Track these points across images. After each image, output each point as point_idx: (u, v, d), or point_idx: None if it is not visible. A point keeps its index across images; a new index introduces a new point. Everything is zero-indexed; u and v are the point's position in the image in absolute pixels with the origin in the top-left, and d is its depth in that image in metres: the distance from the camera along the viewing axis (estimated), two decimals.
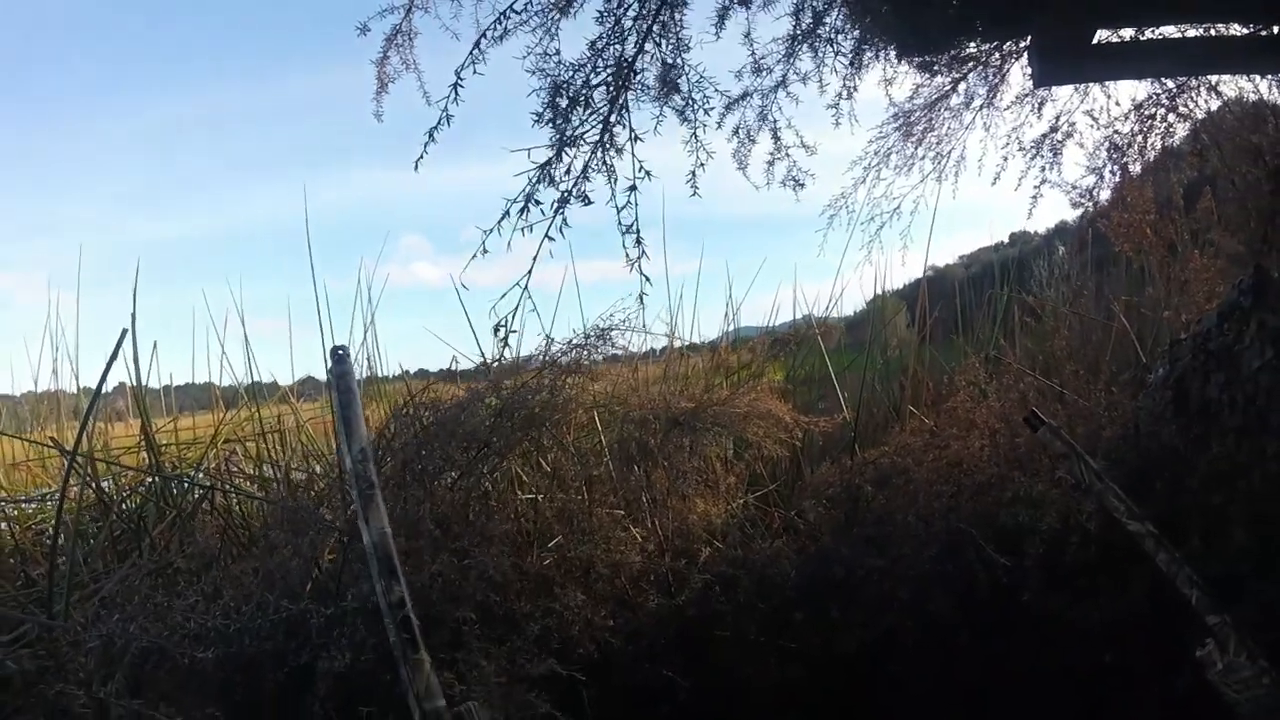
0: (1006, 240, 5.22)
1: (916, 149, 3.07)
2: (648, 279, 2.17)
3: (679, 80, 2.14)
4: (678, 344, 3.69)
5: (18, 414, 3.65)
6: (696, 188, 2.28)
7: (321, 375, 3.37)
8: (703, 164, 2.26)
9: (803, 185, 2.61)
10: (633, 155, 2.14)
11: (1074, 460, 1.84)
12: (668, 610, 2.27)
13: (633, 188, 2.12)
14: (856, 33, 2.46)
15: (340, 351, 0.88)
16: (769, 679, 2.23)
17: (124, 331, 2.00)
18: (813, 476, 2.53)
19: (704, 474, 2.45)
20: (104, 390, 2.44)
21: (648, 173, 2.14)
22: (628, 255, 2.15)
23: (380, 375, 3.40)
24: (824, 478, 2.46)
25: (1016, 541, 2.19)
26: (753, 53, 2.55)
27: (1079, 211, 3.72)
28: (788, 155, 2.57)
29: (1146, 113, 2.89)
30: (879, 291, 4.13)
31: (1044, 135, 2.92)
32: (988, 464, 2.35)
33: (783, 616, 2.30)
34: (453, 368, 2.74)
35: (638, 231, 2.14)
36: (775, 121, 2.61)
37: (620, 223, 2.14)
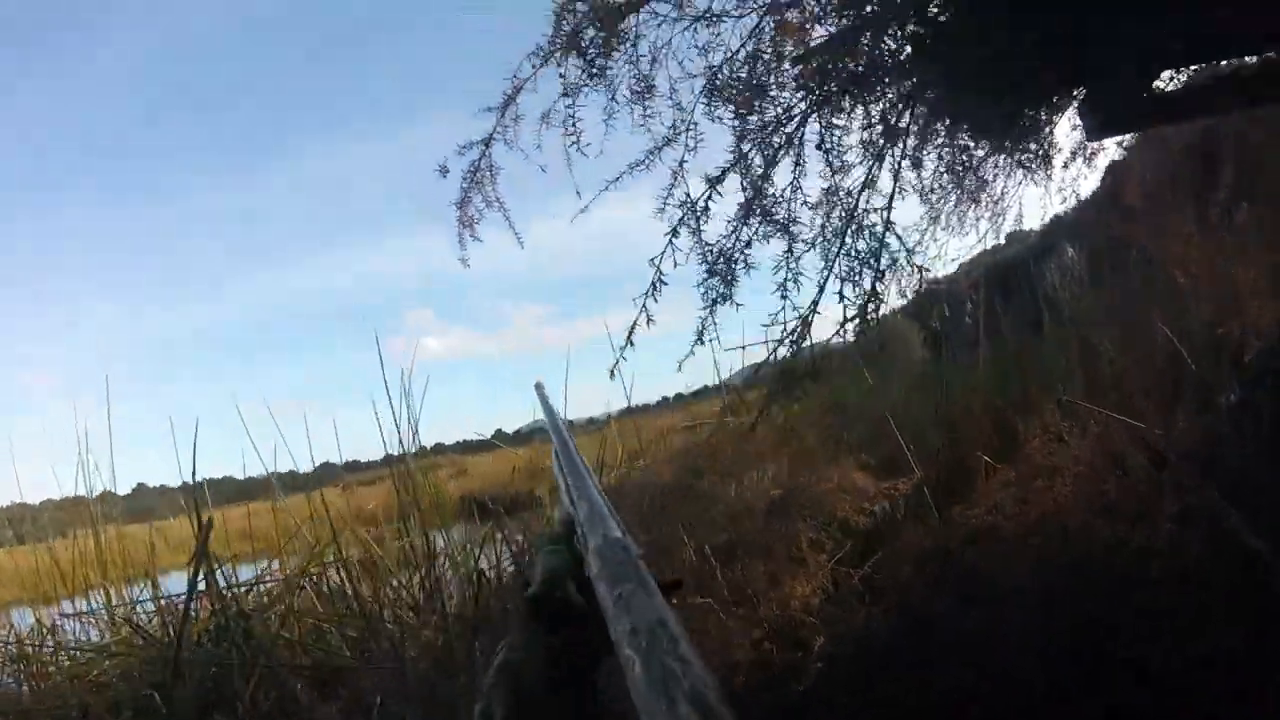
0: (1003, 241, 5.07)
1: (970, 209, 3.00)
2: None
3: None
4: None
5: (35, 521, 3.45)
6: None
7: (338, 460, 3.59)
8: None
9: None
10: None
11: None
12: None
13: None
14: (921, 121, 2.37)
15: (539, 382, 1.06)
16: None
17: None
18: (900, 537, 2.50)
19: (791, 551, 2.41)
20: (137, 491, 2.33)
21: None
22: None
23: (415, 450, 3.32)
24: (912, 539, 2.43)
25: (1107, 589, 2.20)
26: (841, 162, 2.49)
27: (1072, 204, 3.66)
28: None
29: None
30: (887, 312, 4.07)
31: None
32: (1074, 512, 2.34)
33: (872, 678, 2.28)
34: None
35: None
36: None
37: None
